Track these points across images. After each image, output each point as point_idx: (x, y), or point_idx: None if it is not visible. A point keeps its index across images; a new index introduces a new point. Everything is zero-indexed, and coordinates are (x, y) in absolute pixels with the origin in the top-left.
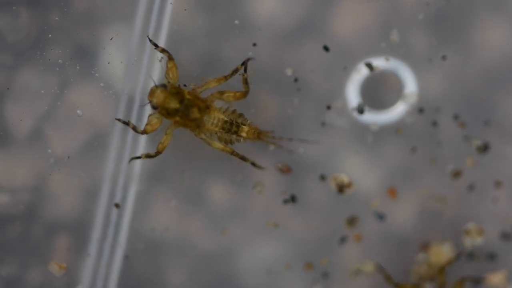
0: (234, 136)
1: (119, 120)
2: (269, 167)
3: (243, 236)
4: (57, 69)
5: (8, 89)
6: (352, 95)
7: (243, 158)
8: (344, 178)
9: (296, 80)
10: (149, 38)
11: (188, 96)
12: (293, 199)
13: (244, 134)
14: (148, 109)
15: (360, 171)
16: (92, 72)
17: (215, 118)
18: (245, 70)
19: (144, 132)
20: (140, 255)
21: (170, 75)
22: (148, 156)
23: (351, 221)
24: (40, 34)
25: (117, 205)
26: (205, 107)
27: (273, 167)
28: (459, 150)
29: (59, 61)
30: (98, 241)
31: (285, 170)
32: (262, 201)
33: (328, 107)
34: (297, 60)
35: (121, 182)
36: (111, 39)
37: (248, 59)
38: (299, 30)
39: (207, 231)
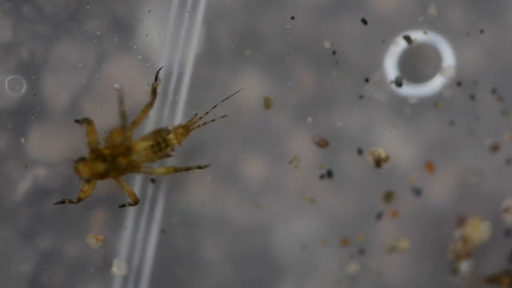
0: (168, 148)
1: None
2: (306, 140)
3: (278, 211)
4: (95, 41)
5: (46, 62)
6: (390, 68)
7: (188, 169)
8: (381, 152)
9: (334, 53)
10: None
11: (107, 151)
12: (329, 173)
13: (175, 141)
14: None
15: (397, 145)
16: (130, 44)
17: (141, 150)
18: (156, 79)
19: (80, 200)
20: (176, 229)
21: (90, 138)
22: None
23: (388, 196)
24: (78, 6)
25: (153, 180)
26: (127, 149)
27: (310, 141)
28: (498, 123)
29: (97, 32)
30: (134, 215)
31: (322, 144)
32: (298, 175)
33: (366, 80)
34: (335, 33)
35: None
36: (149, 11)
37: (159, 70)
38: (337, 2)
39: (243, 206)
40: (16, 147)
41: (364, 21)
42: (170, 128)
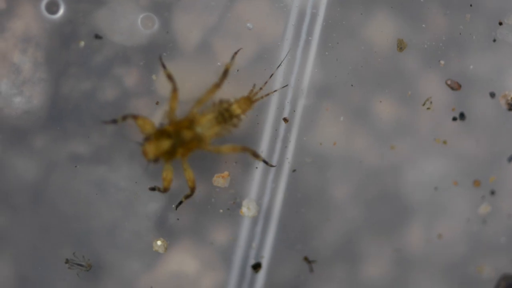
0: (234, 119)
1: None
2: (438, 83)
3: (410, 152)
4: None
5: (178, 0)
6: None
7: (255, 155)
8: None
9: None
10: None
11: (170, 128)
12: (461, 116)
13: (238, 111)
14: (318, 25)
15: None
16: None
17: (206, 121)
18: (232, 58)
19: (165, 189)
20: (307, 169)
21: (146, 130)
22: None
23: None
24: None
25: (285, 119)
26: (191, 122)
27: (442, 84)
28: None
29: None
30: (266, 154)
31: (455, 86)
32: (431, 117)
33: (500, 23)
34: None
35: (289, 96)
36: None
37: (236, 52)
38: None
39: (374, 147)
40: (147, 84)
41: None
42: (232, 100)
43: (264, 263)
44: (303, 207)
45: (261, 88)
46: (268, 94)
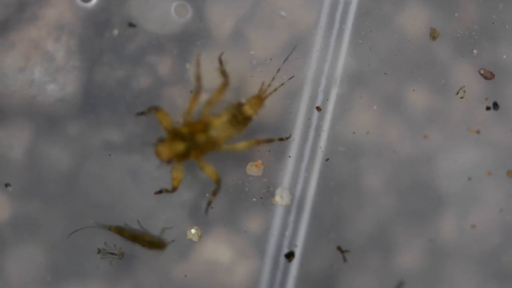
0: (247, 121)
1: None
2: (471, 72)
3: (443, 141)
4: None
5: None
6: None
7: (269, 140)
8: None
9: None
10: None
11: (185, 130)
12: (495, 105)
13: (251, 112)
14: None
15: None
16: None
17: (219, 125)
18: (220, 62)
19: (174, 189)
20: (340, 158)
21: (165, 124)
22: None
23: None
24: None
25: (318, 108)
26: (205, 125)
27: (475, 73)
28: None
29: None
30: (299, 143)
31: (488, 76)
32: (464, 106)
33: None
34: None
35: (322, 84)
36: None
37: (221, 54)
38: None
39: (407, 136)
40: (181, 73)
41: None
42: (243, 100)
43: (297, 252)
44: (336, 196)
45: (269, 85)
46: (276, 89)
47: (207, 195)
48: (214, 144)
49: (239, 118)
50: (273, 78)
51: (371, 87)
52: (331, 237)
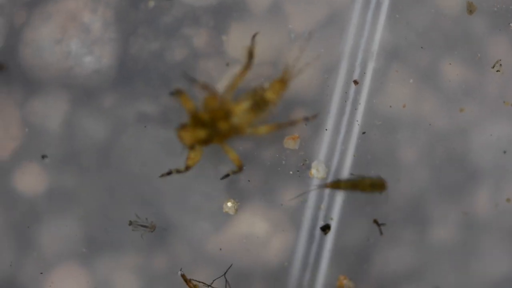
0: (269, 104)
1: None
2: (508, 46)
3: (479, 115)
4: None
5: None
6: None
7: (292, 123)
8: None
9: None
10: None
11: (206, 116)
12: None
13: (273, 97)
14: None
15: None
16: None
17: (242, 112)
18: (252, 42)
19: (188, 168)
20: (376, 132)
21: (187, 107)
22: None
23: None
24: None
25: (355, 82)
26: (226, 112)
27: None
28: None
29: None
30: (335, 117)
31: None
32: (501, 80)
33: None
34: None
35: (359, 58)
36: None
37: (255, 34)
38: None
39: (444, 109)
40: (217, 45)
41: None
42: (266, 86)
43: (333, 225)
44: (372, 169)
45: (293, 67)
46: (301, 71)
47: (243, 168)
48: (236, 130)
49: (261, 105)
50: (298, 58)
51: (408, 61)
52: (366, 210)
